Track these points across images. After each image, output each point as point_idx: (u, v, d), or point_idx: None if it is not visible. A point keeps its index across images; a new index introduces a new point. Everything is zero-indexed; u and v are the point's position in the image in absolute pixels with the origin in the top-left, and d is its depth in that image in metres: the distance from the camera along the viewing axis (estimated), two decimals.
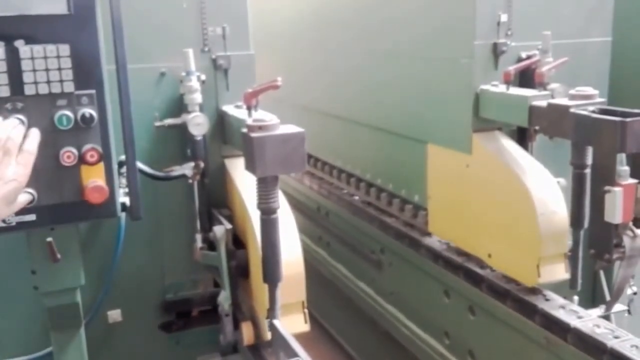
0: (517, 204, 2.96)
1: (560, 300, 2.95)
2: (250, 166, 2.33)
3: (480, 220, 3.22)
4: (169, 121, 2.96)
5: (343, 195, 4.59)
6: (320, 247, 5.06)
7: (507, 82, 3.07)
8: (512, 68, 3.10)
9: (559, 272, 2.97)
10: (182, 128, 2.92)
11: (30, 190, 2.18)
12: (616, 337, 2.62)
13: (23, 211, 2.18)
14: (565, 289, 2.98)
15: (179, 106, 2.99)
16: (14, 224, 2.25)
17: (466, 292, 3.35)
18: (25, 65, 2.20)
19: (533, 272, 2.93)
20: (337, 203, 4.66)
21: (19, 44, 2.18)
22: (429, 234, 3.67)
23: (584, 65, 3.35)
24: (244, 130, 2.33)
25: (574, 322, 2.74)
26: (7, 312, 3.04)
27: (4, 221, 2.22)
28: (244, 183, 2.83)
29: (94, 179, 2.29)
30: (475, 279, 3.25)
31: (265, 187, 2.35)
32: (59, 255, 2.48)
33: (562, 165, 2.90)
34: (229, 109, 3.00)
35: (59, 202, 2.28)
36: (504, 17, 3.14)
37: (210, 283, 3.21)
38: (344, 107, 4.48)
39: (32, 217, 2.26)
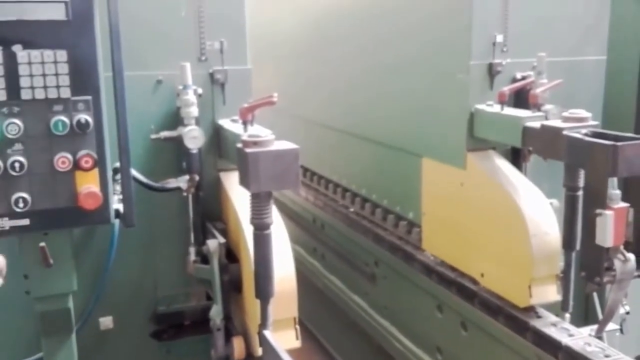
0: (509, 224, 2.98)
1: (552, 317, 2.96)
2: (245, 181, 2.34)
3: (473, 240, 3.23)
4: (165, 134, 2.97)
5: (338, 207, 4.59)
6: (315, 259, 5.08)
7: (502, 102, 3.09)
8: (507, 88, 3.12)
9: (551, 293, 2.98)
10: (178, 141, 2.92)
11: (24, 194, 2.22)
12: (607, 356, 2.64)
13: (17, 215, 2.23)
14: (557, 308, 3.00)
15: (175, 118, 3.00)
16: (7, 228, 2.26)
17: (459, 308, 3.36)
18: (23, 70, 2.21)
19: (525, 292, 2.94)
20: (332, 215, 4.66)
21: (17, 48, 2.19)
22: (422, 249, 3.68)
23: (579, 84, 3.38)
24: (239, 145, 2.35)
25: (565, 340, 2.76)
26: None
27: None
28: (239, 197, 2.83)
29: (88, 185, 2.30)
30: (468, 295, 3.26)
31: (259, 202, 2.37)
32: (51, 261, 2.46)
33: (556, 186, 2.92)
34: (225, 122, 3.02)
35: (52, 207, 2.30)
36: (499, 38, 3.17)
37: (203, 296, 3.21)
38: (341, 119, 4.50)
39: (25, 221, 2.27)
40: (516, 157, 3.31)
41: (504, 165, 3.17)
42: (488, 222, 3.12)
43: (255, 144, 2.31)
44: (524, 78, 3.23)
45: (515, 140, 2.98)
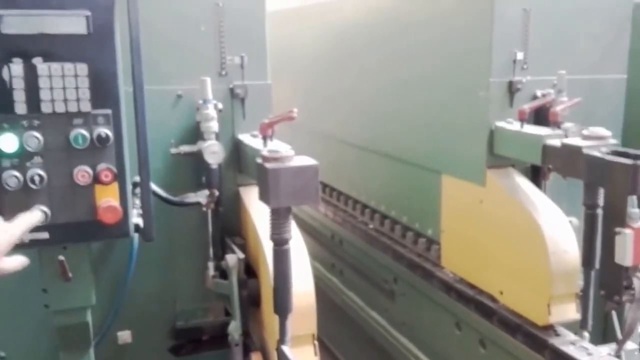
0: (529, 242, 2.97)
1: (571, 336, 2.93)
2: (264, 197, 2.34)
3: (492, 257, 3.22)
4: (185, 148, 2.98)
5: (357, 223, 4.60)
6: (333, 275, 5.07)
7: (522, 120, 3.09)
8: (527, 106, 3.11)
9: (570, 311, 2.96)
10: (198, 155, 2.94)
11: (44, 208, 2.21)
12: None
13: (36, 229, 2.20)
14: (576, 327, 2.97)
15: (195, 132, 3.01)
16: (27, 241, 2.23)
17: (477, 325, 3.35)
18: (43, 82, 2.21)
19: (544, 311, 2.92)
20: (351, 231, 4.67)
21: (37, 61, 2.20)
22: (441, 267, 3.67)
23: (599, 103, 3.37)
24: (259, 160, 2.35)
25: (583, 358, 2.74)
26: (17, 331, 3.05)
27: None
28: (258, 212, 2.83)
29: (107, 198, 2.30)
30: (487, 312, 3.24)
31: (278, 218, 2.37)
32: (70, 274, 2.47)
33: (575, 204, 2.90)
34: (244, 137, 3.03)
35: (72, 220, 2.28)
36: (520, 55, 3.17)
37: (222, 311, 3.21)
38: (360, 135, 4.51)
39: (45, 235, 2.26)
40: (536, 175, 3.29)
41: (524, 183, 3.16)
42: (507, 240, 3.11)
43: (275, 159, 2.30)
44: (544, 96, 3.22)
45: (535, 158, 2.97)
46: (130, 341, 3.16)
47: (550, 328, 2.97)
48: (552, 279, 2.87)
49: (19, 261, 1.99)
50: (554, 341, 2.89)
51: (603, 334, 3.57)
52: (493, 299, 3.24)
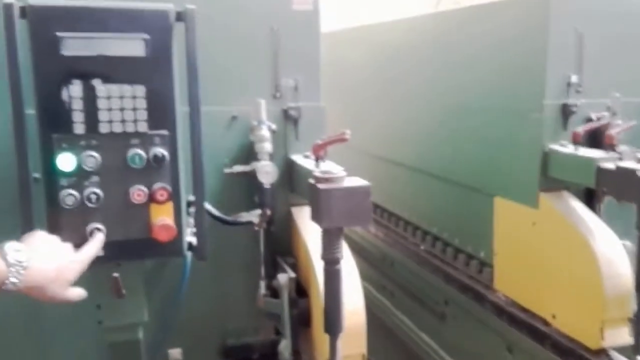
0: (582, 265, 2.94)
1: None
2: (316, 217, 2.35)
3: (545, 281, 3.19)
4: (239, 168, 3.00)
5: (409, 245, 4.59)
6: (384, 296, 5.06)
7: (576, 143, 3.07)
8: (582, 129, 3.09)
9: (623, 335, 2.91)
10: (251, 175, 2.96)
11: (100, 225, 2.27)
12: None
13: None
14: (629, 351, 2.92)
15: (249, 153, 3.04)
16: None
17: (529, 349, 3.31)
18: (101, 104, 2.26)
19: (597, 335, 2.89)
20: (402, 253, 4.66)
21: (96, 82, 2.25)
22: (494, 289, 3.64)
23: None
24: (311, 181, 2.37)
25: None
26: (69, 347, 3.08)
27: None
28: (310, 232, 2.86)
29: (162, 217, 2.34)
30: (539, 336, 3.21)
31: (330, 238, 2.38)
32: (124, 291, 2.51)
33: (629, 227, 2.85)
34: (297, 158, 3.05)
35: (127, 238, 2.33)
36: (574, 78, 3.15)
37: (272, 330, 3.22)
38: (412, 156, 4.51)
39: (100, 252, 2.29)
40: (590, 198, 3.26)
41: (577, 206, 3.13)
42: (560, 263, 3.08)
43: (327, 180, 2.31)
44: (598, 119, 3.20)
45: (589, 181, 2.94)
46: (180, 359, 3.17)
47: (603, 352, 2.93)
48: (605, 302, 2.84)
49: (79, 293, 2.08)
50: None
51: None
52: (545, 322, 3.21)
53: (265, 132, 2.94)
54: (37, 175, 2.30)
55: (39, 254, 1.95)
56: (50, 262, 1.99)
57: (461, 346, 4.01)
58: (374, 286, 5.16)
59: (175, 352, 3.17)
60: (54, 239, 2.09)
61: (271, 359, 3.10)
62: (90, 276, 2.43)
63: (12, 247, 1.88)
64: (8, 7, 2.17)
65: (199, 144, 2.44)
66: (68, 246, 2.11)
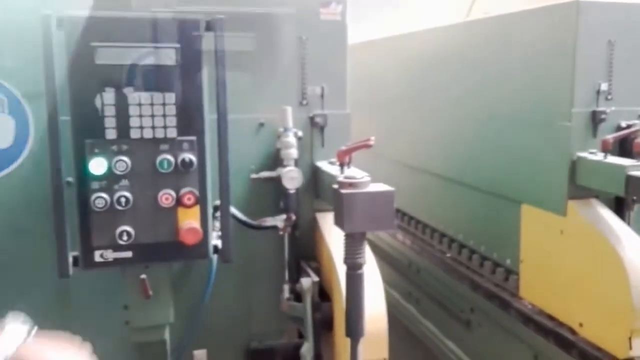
0: (610, 273, 2.90)
1: None
2: (339, 221, 2.36)
3: (572, 289, 3.16)
4: (265, 174, 3.05)
5: (435, 252, 4.56)
6: (410, 304, 5.03)
7: (606, 151, 3.03)
8: (611, 137, 3.06)
9: None
10: (277, 181, 2.99)
11: (129, 228, 2.36)
12: None
13: (120, 248, 2.38)
14: None
15: (275, 159, 3.07)
16: (111, 259, 2.39)
17: (556, 358, 3.27)
18: (133, 110, 2.37)
19: (625, 344, 2.85)
20: (428, 260, 4.63)
21: (128, 90, 2.35)
22: (519, 297, 3.61)
23: None
24: (335, 186, 2.37)
25: None
26: (95, 347, 3.12)
27: (101, 256, 2.38)
28: (333, 237, 2.87)
29: (189, 220, 2.42)
30: (566, 345, 3.17)
31: (353, 242, 2.38)
32: (151, 292, 2.57)
33: None
34: (322, 164, 3.07)
35: (154, 241, 2.42)
36: (604, 86, 3.11)
37: (295, 333, 3.23)
38: (439, 164, 4.49)
39: (128, 254, 2.40)
40: (619, 206, 3.22)
41: (606, 214, 3.09)
42: (588, 271, 3.04)
43: (350, 185, 2.31)
44: (628, 126, 3.16)
45: (619, 190, 2.91)
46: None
47: None
48: (633, 311, 2.80)
49: None
50: None
51: None
52: (572, 331, 3.17)
53: (291, 139, 2.98)
54: (70, 179, 2.38)
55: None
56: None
57: (487, 354, 3.97)
58: (400, 293, 5.13)
59: (200, 354, 3.20)
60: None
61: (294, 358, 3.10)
62: (118, 277, 2.57)
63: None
64: (46, 18, 2.26)
65: (226, 149, 2.48)
66: None
